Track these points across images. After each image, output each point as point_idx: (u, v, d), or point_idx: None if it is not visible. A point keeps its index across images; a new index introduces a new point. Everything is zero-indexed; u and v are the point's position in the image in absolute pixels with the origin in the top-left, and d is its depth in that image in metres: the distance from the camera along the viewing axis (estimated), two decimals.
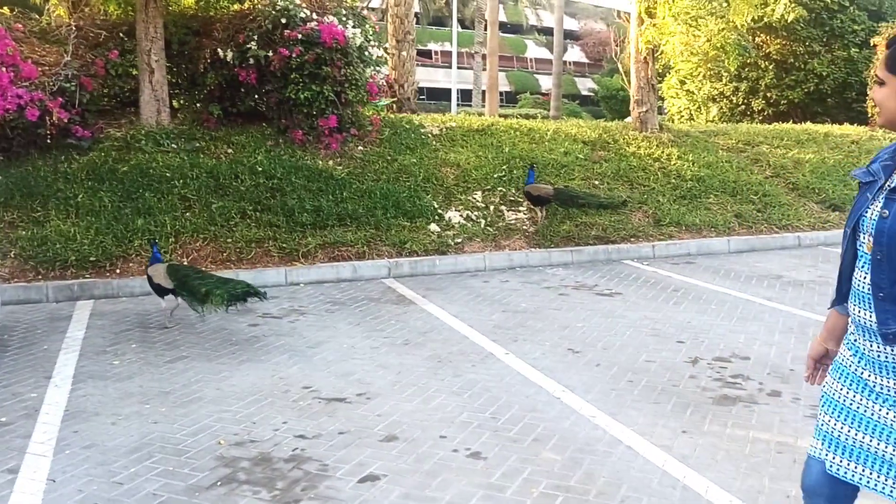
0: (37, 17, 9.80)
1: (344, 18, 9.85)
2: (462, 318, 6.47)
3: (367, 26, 10.52)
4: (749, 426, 4.15)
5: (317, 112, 9.81)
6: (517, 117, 15.73)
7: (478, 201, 9.56)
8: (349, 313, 6.69)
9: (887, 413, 2.12)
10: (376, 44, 10.80)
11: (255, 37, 9.47)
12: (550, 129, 11.85)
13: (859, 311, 2.16)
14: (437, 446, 3.95)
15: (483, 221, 9.18)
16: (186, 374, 5.13)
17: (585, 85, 54.91)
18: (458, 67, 34.65)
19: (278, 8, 9.48)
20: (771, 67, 18.77)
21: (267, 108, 10.10)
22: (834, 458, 2.22)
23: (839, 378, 2.26)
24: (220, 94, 10.07)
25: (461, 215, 9.24)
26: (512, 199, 9.71)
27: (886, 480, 2.11)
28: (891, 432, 2.11)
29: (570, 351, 5.56)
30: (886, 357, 2.11)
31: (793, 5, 17.08)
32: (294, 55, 9.37)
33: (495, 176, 10.08)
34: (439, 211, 9.23)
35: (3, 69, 8.00)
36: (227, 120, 10.08)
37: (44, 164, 8.51)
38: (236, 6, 10.26)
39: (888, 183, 2.09)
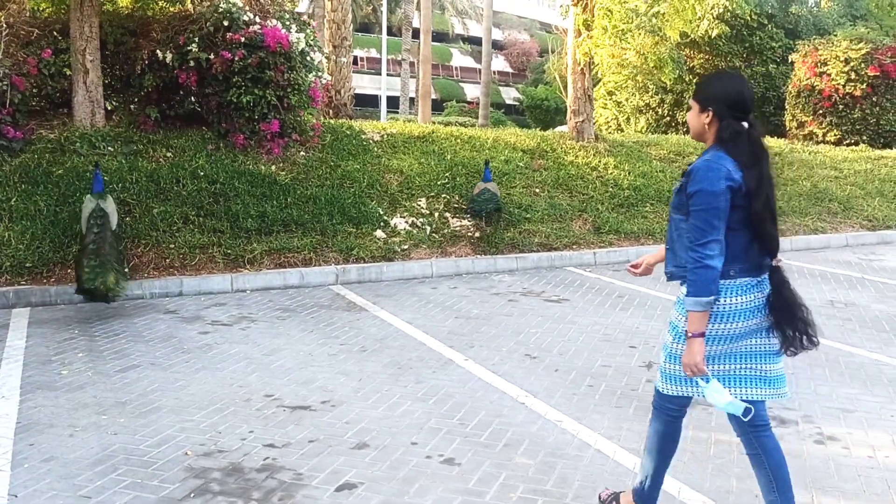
0: None
1: (287, 23, 9.75)
2: (416, 325, 6.49)
3: (309, 31, 10.45)
4: (709, 428, 4.31)
5: (259, 116, 9.68)
6: (450, 125, 15.89)
7: (422, 208, 9.61)
8: (301, 320, 6.63)
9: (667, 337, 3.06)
10: (317, 49, 10.73)
11: (196, 39, 9.28)
12: (490, 137, 12.00)
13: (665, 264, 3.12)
14: (409, 453, 3.97)
15: (428, 228, 9.23)
16: (141, 383, 5.00)
17: (510, 94, 55.67)
18: (387, 74, 34.66)
19: (220, 10, 9.33)
20: (695, 81, 19.44)
21: (206, 112, 9.89)
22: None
23: None
24: (157, 96, 9.81)
25: (406, 222, 9.27)
26: (456, 206, 9.79)
27: (668, 386, 3.04)
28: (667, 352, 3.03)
29: (527, 356, 5.66)
30: (677, 294, 3.03)
31: (716, 22, 17.76)
32: (237, 58, 9.23)
33: (439, 183, 10.15)
34: (385, 217, 9.23)
35: None
36: (164, 123, 9.84)
37: None
38: (176, 7, 10.03)
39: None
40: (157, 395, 4.80)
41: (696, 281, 2.78)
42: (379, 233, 8.93)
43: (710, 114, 2.88)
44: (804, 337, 2.87)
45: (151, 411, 4.52)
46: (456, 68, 58.85)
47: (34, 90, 9.11)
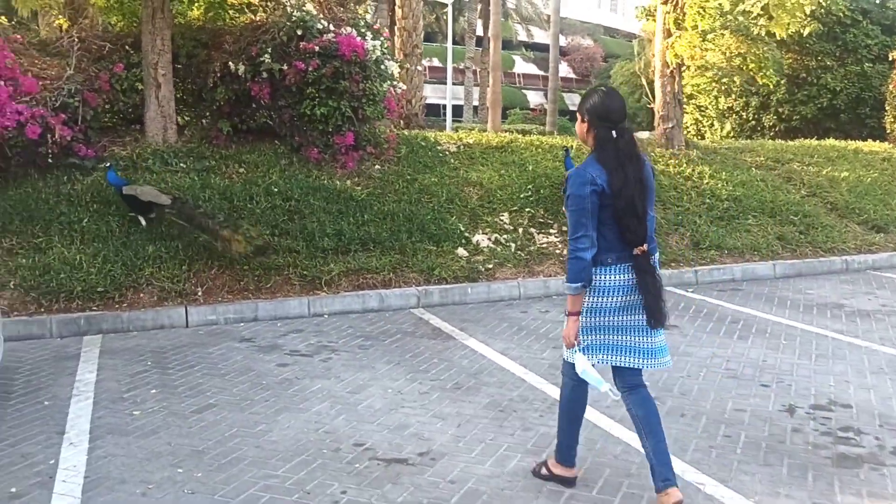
0: (36, 27, 9.19)
1: (362, 30, 9.30)
2: (511, 357, 5.89)
3: (382, 39, 9.99)
4: (887, 495, 3.59)
5: (333, 129, 9.25)
6: (515, 132, 15.26)
7: (505, 223, 9.02)
8: (385, 350, 6.10)
9: None
10: (390, 57, 10.25)
11: (269, 49, 8.90)
12: (573, 145, 11.33)
13: None
14: None
15: (513, 245, 8.62)
16: (219, 427, 4.52)
17: (574, 100, 54.67)
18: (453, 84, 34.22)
19: (294, 19, 8.92)
20: (783, 82, 18.40)
21: (279, 125, 9.51)
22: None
23: None
24: (229, 109, 9.48)
25: (489, 238, 8.68)
26: (541, 220, 9.17)
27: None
28: None
29: None
30: None
31: (808, 19, 16.74)
32: (310, 69, 8.81)
33: (521, 196, 9.54)
34: (466, 234, 8.67)
35: (2, 83, 7.39)
36: (236, 137, 9.50)
37: (45, 185, 7.89)
38: (248, 17, 9.68)
39: None
40: (237, 441, 4.31)
41: (570, 269, 3.31)
42: (461, 251, 8.37)
43: (586, 124, 3.38)
44: (653, 318, 3.34)
45: (231, 463, 4.02)
46: (518, 75, 58.20)
47: (106, 106, 8.84)
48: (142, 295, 6.96)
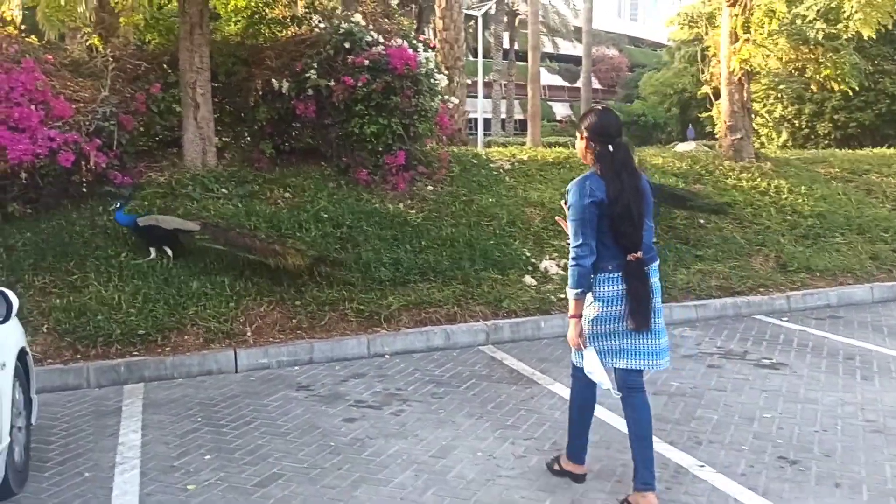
0: (67, 48, 8.65)
1: (413, 42, 8.66)
2: (608, 407, 5.11)
3: (432, 51, 9.35)
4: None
5: (383, 148, 8.61)
6: (554, 146, 14.57)
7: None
8: (462, 399, 5.39)
9: None
10: (438, 70, 9.60)
11: (315, 64, 8.29)
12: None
13: None
14: None
15: None
16: None
17: None
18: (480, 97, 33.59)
19: (341, 31, 8.30)
20: (838, 88, 17.50)
21: (325, 145, 8.89)
22: None
23: None
24: (271, 130, 8.88)
25: (558, 265, 7.96)
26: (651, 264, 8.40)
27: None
28: None
29: (783, 460, 4.23)
30: None
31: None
32: (360, 84, 8.18)
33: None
34: (532, 260, 7.96)
35: (33, 107, 6.82)
36: (279, 159, 8.88)
37: (79, 216, 7.30)
38: (291, 30, 9.08)
39: None
40: None
41: (572, 276, 3.53)
42: (528, 279, 7.65)
43: (585, 141, 3.61)
44: (634, 321, 3.54)
45: None
46: (544, 87, 57.48)
47: (141, 129, 8.26)
48: (186, 337, 6.31)
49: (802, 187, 10.04)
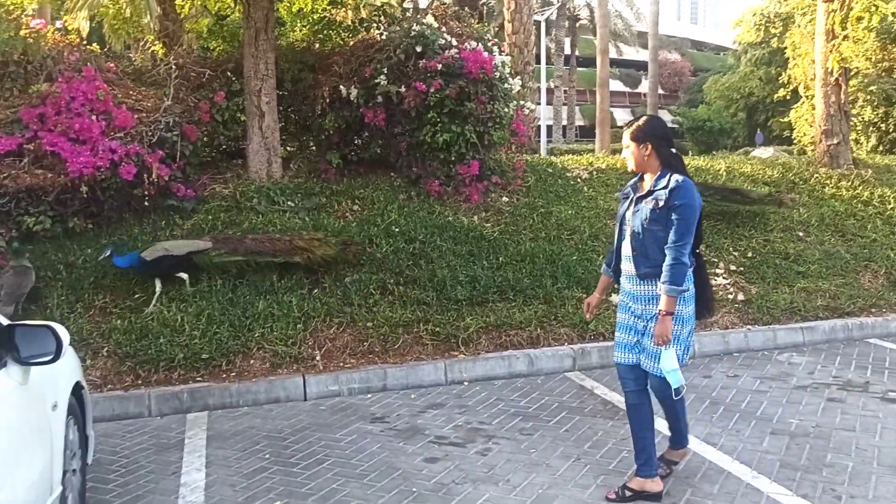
0: (130, 56, 8.39)
1: (489, 45, 8.15)
2: (724, 450, 4.53)
3: (506, 55, 8.83)
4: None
5: (455, 157, 8.11)
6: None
7: None
8: (554, 436, 4.83)
9: (633, 319, 3.84)
10: (513, 74, 9.07)
11: (385, 70, 7.84)
12: (721, 167, 9.90)
13: (627, 266, 3.86)
14: None
15: None
16: None
17: (662, 116, 52.65)
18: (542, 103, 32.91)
19: (413, 34, 7.85)
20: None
21: (394, 155, 8.44)
22: (619, 355, 3.95)
23: (620, 310, 3.97)
24: (338, 139, 8.48)
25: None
26: (705, 258, 7.74)
27: (621, 354, 3.95)
28: (631, 328, 3.86)
29: None
30: (637, 290, 3.80)
31: None
32: (432, 90, 7.71)
33: None
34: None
35: (94, 118, 6.53)
36: (346, 170, 8.47)
37: (141, 231, 6.99)
38: (360, 35, 8.67)
39: (637, 195, 3.82)
40: None
41: (677, 274, 3.60)
42: (614, 297, 7.00)
43: (651, 146, 3.75)
44: (708, 310, 3.98)
45: None
46: None
47: (206, 139, 7.93)
48: (252, 361, 5.90)
49: None
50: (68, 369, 3.78)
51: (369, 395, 5.77)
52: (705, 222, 8.30)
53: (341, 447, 4.75)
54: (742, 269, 7.62)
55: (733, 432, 4.81)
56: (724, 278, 7.47)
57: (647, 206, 3.71)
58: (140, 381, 5.67)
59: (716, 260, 7.72)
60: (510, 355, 6.21)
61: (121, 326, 5.98)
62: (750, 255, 7.85)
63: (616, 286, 4.12)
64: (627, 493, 3.86)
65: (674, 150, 3.76)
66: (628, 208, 3.85)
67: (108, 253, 6.19)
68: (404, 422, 5.18)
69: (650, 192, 3.72)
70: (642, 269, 3.73)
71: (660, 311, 3.60)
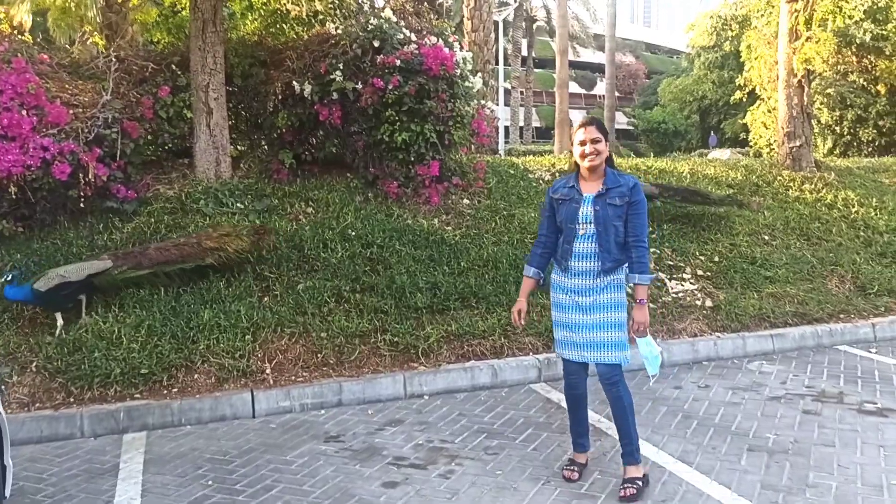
0: (67, 47, 7.86)
1: (449, 40, 7.83)
2: (699, 468, 4.27)
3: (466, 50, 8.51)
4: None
5: (415, 158, 7.77)
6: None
7: None
8: (521, 456, 4.52)
9: (583, 316, 3.89)
10: (476, 72, 8.76)
11: (341, 65, 7.47)
12: (685, 170, 9.73)
13: (584, 264, 3.88)
14: None
15: None
16: None
17: (617, 119, 53.26)
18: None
19: (370, 28, 7.48)
20: (884, 92, 16.54)
21: (350, 154, 8.07)
22: (572, 353, 3.98)
23: (565, 310, 3.96)
24: (291, 138, 8.07)
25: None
26: (670, 262, 7.55)
27: (572, 352, 3.98)
28: (579, 325, 3.91)
29: None
30: (594, 285, 3.86)
31: None
32: (390, 87, 7.35)
33: None
34: None
35: (24, 113, 6.03)
36: (300, 170, 8.07)
37: (76, 235, 6.51)
38: (315, 29, 8.27)
39: (587, 195, 3.87)
40: None
41: (646, 263, 3.84)
42: None
43: (607, 145, 3.91)
44: None
45: None
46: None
47: (149, 137, 7.45)
48: (196, 376, 5.48)
49: (873, 199, 9.13)
50: None
51: (323, 412, 5.40)
52: (670, 225, 8.17)
53: (292, 471, 4.37)
54: (709, 274, 7.43)
55: (709, 449, 4.56)
56: (690, 283, 7.26)
57: (609, 204, 3.80)
58: (72, 399, 5.21)
59: (682, 265, 7.51)
60: (473, 366, 5.89)
61: (52, 339, 5.51)
62: (717, 259, 7.66)
63: (539, 287, 4.24)
64: (639, 483, 3.91)
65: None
66: (579, 209, 3.87)
67: (9, 278, 5.47)
68: (360, 441, 4.83)
69: (608, 190, 3.82)
70: (607, 264, 3.82)
71: (639, 300, 3.82)
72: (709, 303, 7.00)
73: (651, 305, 6.92)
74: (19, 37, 6.91)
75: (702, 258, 7.69)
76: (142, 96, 7.17)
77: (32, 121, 6.03)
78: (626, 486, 3.88)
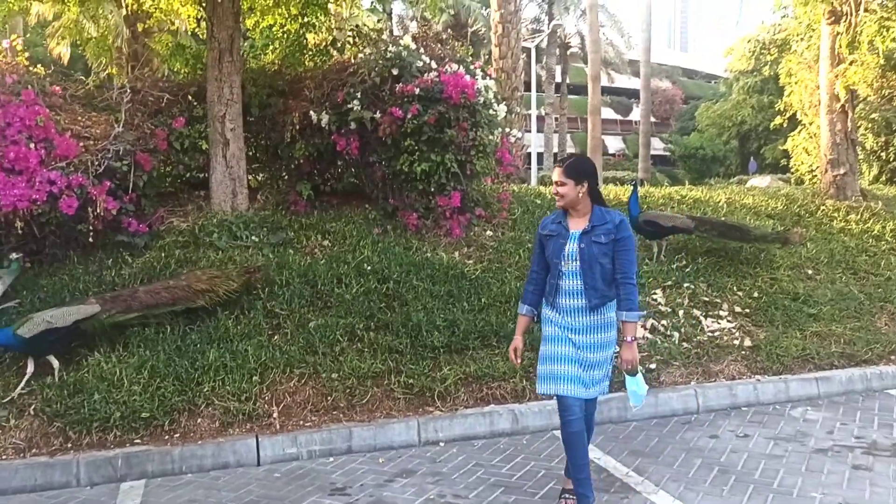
0: (83, 78, 7.76)
1: (472, 68, 7.57)
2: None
3: (491, 78, 8.24)
4: None
5: (435, 188, 7.49)
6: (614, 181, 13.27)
7: (660, 303, 7.01)
8: None
9: (576, 351, 3.91)
10: (498, 100, 8.48)
11: (358, 94, 7.25)
12: (721, 199, 9.31)
13: (571, 301, 3.91)
14: None
15: (676, 335, 6.59)
16: None
17: (654, 145, 52.77)
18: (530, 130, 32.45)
19: (389, 56, 7.26)
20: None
21: (369, 185, 7.83)
22: (572, 388, 3.90)
23: (551, 343, 3.97)
24: (310, 168, 7.86)
25: (643, 326, 6.69)
26: (706, 298, 7.13)
27: (571, 387, 3.89)
28: (577, 360, 3.90)
29: None
30: (584, 322, 3.90)
31: None
32: (409, 116, 7.11)
33: (672, 266, 7.54)
34: None
35: (32, 145, 5.88)
36: (318, 201, 7.85)
37: (84, 272, 6.32)
38: (333, 58, 8.08)
39: (573, 232, 3.92)
40: None
41: (635, 300, 3.82)
42: None
43: (583, 185, 3.90)
44: None
45: None
46: None
47: (165, 169, 7.29)
48: (199, 420, 5.21)
49: None
50: None
51: (331, 459, 5.08)
52: (705, 258, 7.76)
53: None
54: (748, 310, 6.99)
55: None
56: (728, 321, 6.82)
57: (595, 242, 3.85)
58: (70, 445, 4.97)
59: (718, 301, 7.08)
60: (492, 411, 5.53)
61: (52, 381, 5.29)
62: (756, 295, 7.22)
63: (535, 323, 4.25)
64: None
65: (598, 188, 4.00)
66: (565, 245, 3.92)
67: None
68: (368, 494, 4.49)
69: (593, 228, 3.87)
70: (594, 301, 3.86)
71: (626, 339, 3.82)
72: (748, 342, 6.56)
73: (685, 345, 6.52)
74: (31, 68, 6.77)
75: (739, 293, 7.26)
76: (156, 127, 7.01)
77: (40, 154, 5.88)
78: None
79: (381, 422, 5.36)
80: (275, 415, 5.33)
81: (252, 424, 5.24)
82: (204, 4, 7.52)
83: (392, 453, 5.17)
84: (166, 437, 5.08)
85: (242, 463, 5.01)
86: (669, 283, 7.28)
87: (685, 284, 7.25)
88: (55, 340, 5.23)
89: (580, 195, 3.88)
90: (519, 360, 4.19)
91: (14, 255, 5.79)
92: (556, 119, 42.13)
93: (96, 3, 8.90)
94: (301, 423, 5.31)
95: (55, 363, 5.29)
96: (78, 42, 11.32)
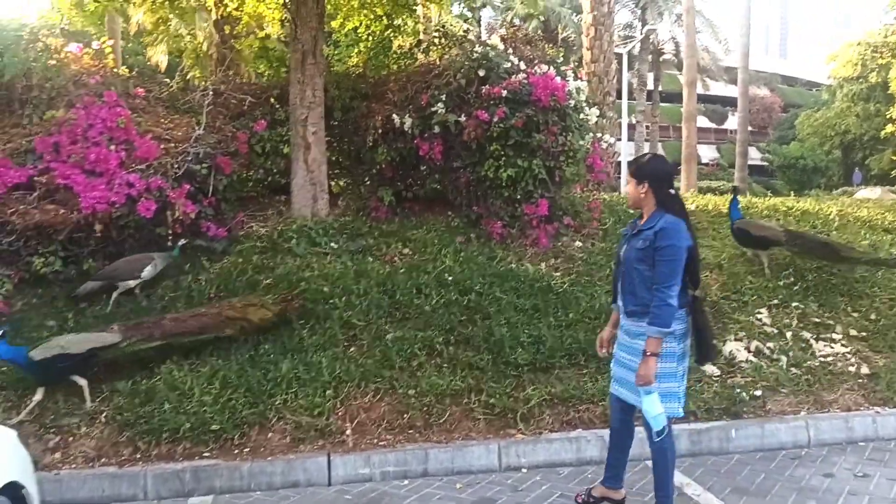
0: (167, 80, 7.74)
1: (562, 69, 7.17)
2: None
3: (582, 80, 7.82)
4: None
5: (522, 195, 7.12)
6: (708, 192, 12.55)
7: (766, 324, 6.43)
8: None
9: (618, 349, 3.97)
10: (589, 103, 8.04)
11: (443, 97, 6.96)
12: (832, 211, 8.61)
13: (621, 301, 3.92)
14: None
15: (784, 359, 6.01)
16: None
17: (750, 153, 50.63)
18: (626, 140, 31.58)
19: (475, 57, 6.94)
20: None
21: (453, 191, 7.52)
22: (614, 387, 4.06)
23: (616, 345, 4.03)
24: (392, 174, 7.62)
25: (747, 348, 6.13)
26: (817, 319, 6.51)
27: (613, 384, 4.06)
28: (621, 363, 3.93)
29: None
30: (626, 324, 3.88)
31: None
32: (496, 119, 6.77)
33: (779, 283, 6.94)
34: (712, 341, 6.15)
35: (112, 147, 5.82)
36: (400, 208, 7.59)
37: (162, 275, 6.21)
38: (418, 59, 7.83)
39: (630, 234, 3.89)
40: None
41: (663, 315, 3.59)
42: (709, 367, 5.85)
43: (645, 185, 3.78)
44: (707, 356, 3.99)
45: None
46: None
47: (246, 173, 7.17)
48: (270, 434, 4.99)
49: None
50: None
51: (406, 482, 4.77)
52: (816, 275, 7.12)
53: None
54: (864, 334, 6.34)
55: None
56: (842, 346, 6.19)
57: (635, 245, 3.78)
58: (139, 455, 4.82)
59: (831, 322, 6.45)
60: (579, 436, 5.11)
61: (125, 388, 5.17)
62: (873, 317, 6.55)
63: None
64: (591, 499, 4.16)
65: (672, 191, 3.79)
66: (623, 246, 3.93)
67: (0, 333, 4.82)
68: None
69: (640, 231, 3.77)
70: (630, 307, 3.82)
71: (644, 351, 3.64)
72: (865, 370, 5.92)
73: (794, 370, 5.92)
74: (115, 70, 6.76)
75: (854, 315, 6.61)
76: (238, 130, 6.90)
77: (121, 156, 5.82)
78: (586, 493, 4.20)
79: (460, 444, 5.02)
80: (348, 432, 5.06)
81: (324, 441, 4.98)
82: (288, 6, 7.39)
83: (470, 478, 4.82)
84: (235, 451, 4.88)
85: (313, 482, 4.76)
86: (776, 301, 6.68)
87: (793, 303, 6.64)
88: (66, 367, 4.93)
89: (642, 195, 3.82)
90: (604, 350, 4.22)
91: (181, 242, 6.02)
92: (648, 127, 41.05)
93: (192, 15, 8.96)
94: (375, 441, 5.03)
95: (81, 381, 5.05)
96: (175, 51, 11.50)
